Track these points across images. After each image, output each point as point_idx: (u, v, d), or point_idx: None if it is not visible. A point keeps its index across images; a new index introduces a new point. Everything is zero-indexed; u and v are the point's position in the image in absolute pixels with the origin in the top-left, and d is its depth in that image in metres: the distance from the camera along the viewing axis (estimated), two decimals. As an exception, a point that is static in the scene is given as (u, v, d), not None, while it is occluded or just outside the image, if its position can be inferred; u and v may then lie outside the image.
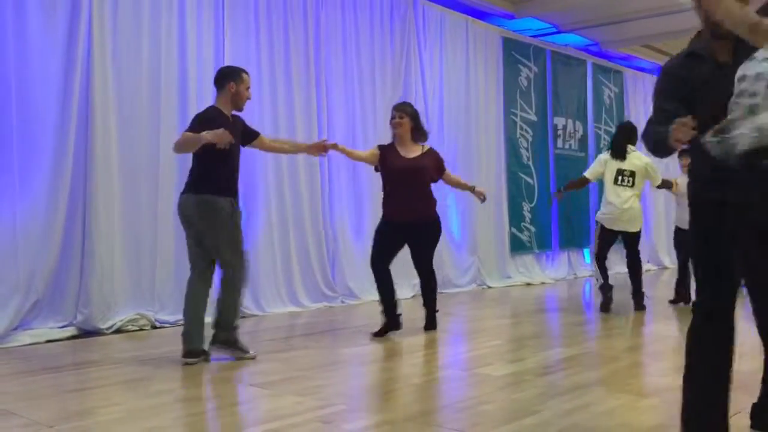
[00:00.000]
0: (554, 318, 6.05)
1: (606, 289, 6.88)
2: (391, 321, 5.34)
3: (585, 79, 11.98)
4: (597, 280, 7.03)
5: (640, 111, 13.36)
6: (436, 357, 4.75)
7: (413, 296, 8.27)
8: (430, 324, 5.61)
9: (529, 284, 9.91)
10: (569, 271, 11.23)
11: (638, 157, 6.79)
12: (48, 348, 5.07)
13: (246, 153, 5.53)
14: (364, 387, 3.99)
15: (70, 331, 5.52)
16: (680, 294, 7.39)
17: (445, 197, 9.04)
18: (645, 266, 12.71)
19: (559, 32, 11.22)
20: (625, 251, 7.02)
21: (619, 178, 6.74)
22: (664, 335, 5.64)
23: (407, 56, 8.67)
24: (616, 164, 6.77)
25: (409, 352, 4.75)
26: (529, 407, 3.33)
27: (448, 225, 9.12)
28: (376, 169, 5.63)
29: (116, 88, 5.96)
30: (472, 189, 5.85)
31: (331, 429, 3.04)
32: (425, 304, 5.66)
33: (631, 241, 6.91)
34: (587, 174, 7.23)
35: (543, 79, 10.97)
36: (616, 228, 6.83)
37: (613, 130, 12.59)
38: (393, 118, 5.51)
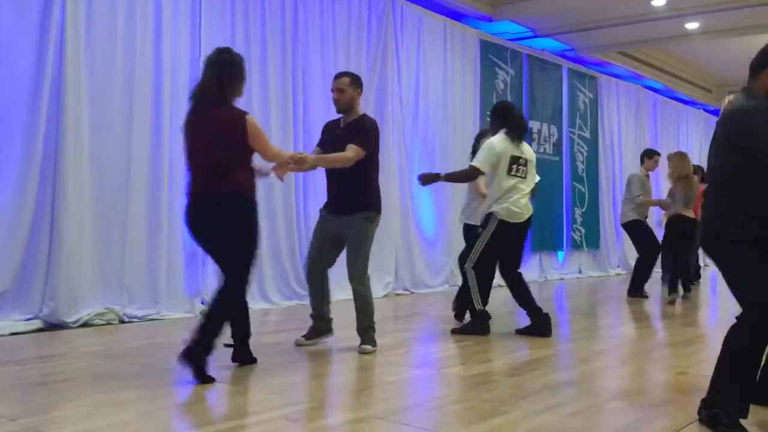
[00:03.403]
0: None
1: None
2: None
3: (560, 83, 12.08)
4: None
5: (613, 116, 13.51)
6: (407, 356, 4.75)
7: (385, 295, 8.27)
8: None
9: (501, 286, 9.91)
10: (540, 273, 11.32)
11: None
12: (12, 341, 4.98)
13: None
14: (333, 385, 3.97)
15: (36, 324, 5.43)
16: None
17: (419, 195, 9.07)
18: (615, 270, 12.92)
19: (535, 36, 11.30)
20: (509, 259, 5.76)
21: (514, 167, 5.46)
22: (635, 339, 5.69)
23: (384, 55, 8.66)
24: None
25: (379, 351, 4.74)
26: (498, 407, 3.34)
27: (421, 224, 9.13)
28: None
29: (89, 80, 5.87)
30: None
31: (298, 427, 3.02)
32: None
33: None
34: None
35: (519, 82, 11.04)
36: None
37: (587, 135, 12.76)
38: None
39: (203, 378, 3.73)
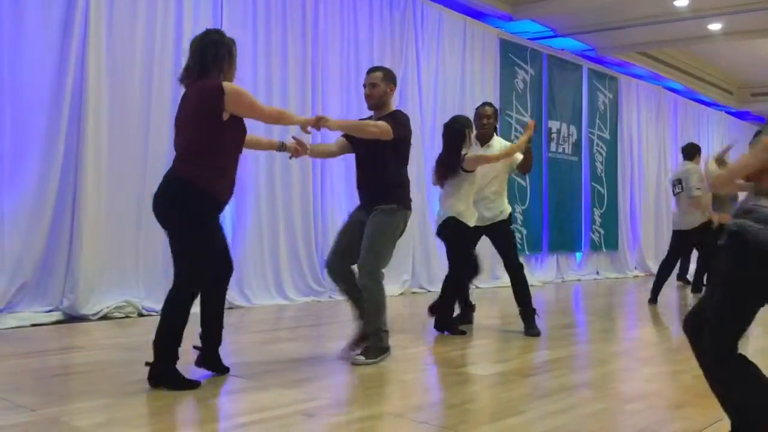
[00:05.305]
0: (542, 320, 6.03)
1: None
2: None
3: (580, 83, 12.02)
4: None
5: (633, 117, 13.42)
6: (423, 355, 4.75)
7: (401, 293, 8.27)
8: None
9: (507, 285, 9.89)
10: (557, 274, 11.27)
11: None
12: (33, 332, 5.04)
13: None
14: (349, 382, 3.98)
15: (56, 315, 5.49)
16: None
17: (434, 193, 9.05)
18: (633, 272, 12.84)
19: (556, 36, 11.25)
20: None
21: None
22: (652, 341, 5.66)
23: (405, 54, 8.67)
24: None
25: (396, 349, 4.74)
26: (514, 407, 3.33)
27: (433, 223, 9.11)
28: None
29: (109, 77, 5.94)
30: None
31: (314, 422, 3.03)
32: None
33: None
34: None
35: (539, 82, 10.99)
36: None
37: (607, 136, 12.68)
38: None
39: (184, 386, 3.46)
